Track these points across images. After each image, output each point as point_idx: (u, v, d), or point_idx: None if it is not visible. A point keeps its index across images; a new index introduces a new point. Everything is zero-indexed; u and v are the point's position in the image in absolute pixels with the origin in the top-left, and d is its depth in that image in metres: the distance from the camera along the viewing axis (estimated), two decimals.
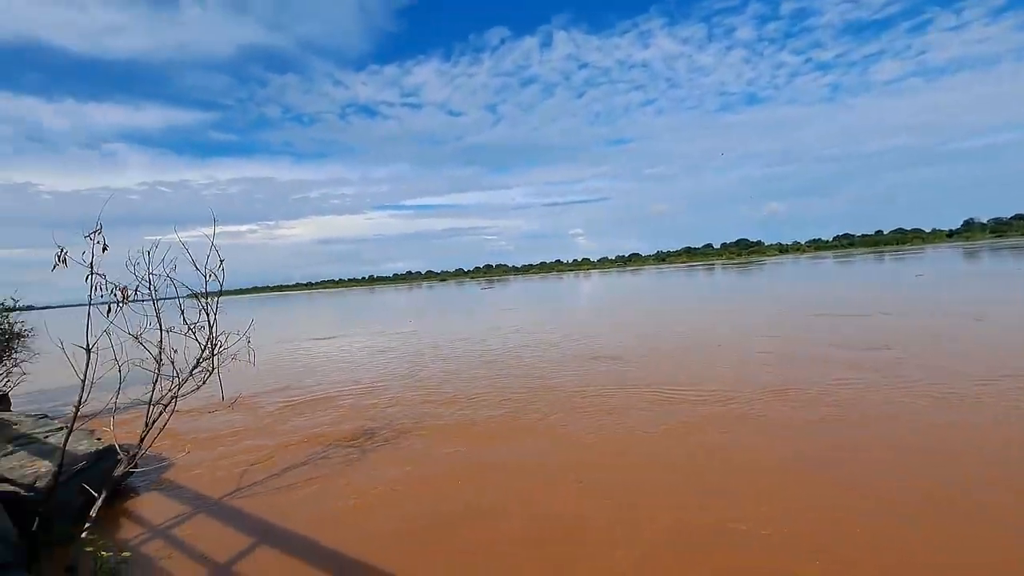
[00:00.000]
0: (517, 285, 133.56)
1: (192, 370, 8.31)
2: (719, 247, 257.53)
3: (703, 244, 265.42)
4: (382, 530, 7.85)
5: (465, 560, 6.88)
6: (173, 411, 8.41)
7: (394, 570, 6.70)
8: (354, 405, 15.83)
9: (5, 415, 13.87)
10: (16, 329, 17.13)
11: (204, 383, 8.44)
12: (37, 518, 7.93)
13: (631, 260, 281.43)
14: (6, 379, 17.24)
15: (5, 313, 17.09)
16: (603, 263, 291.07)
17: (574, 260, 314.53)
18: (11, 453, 9.62)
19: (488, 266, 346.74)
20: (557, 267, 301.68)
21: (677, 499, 8.07)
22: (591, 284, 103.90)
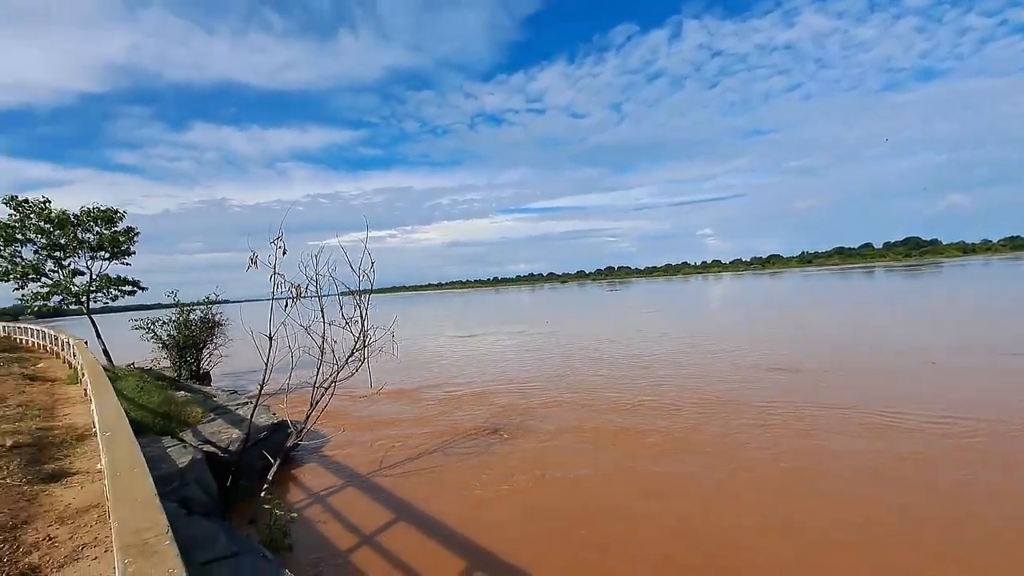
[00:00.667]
0: (642, 287, 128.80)
1: (347, 359, 9.45)
2: (881, 247, 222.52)
3: (860, 244, 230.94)
4: (519, 523, 8.13)
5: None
6: (332, 394, 9.64)
7: (523, 565, 6.92)
8: (509, 404, 15.81)
9: (207, 389, 17.04)
10: (216, 319, 20.89)
11: (357, 371, 9.54)
12: (230, 476, 9.62)
13: (769, 262, 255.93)
14: (208, 359, 21.09)
15: (209, 306, 20.93)
16: (736, 265, 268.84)
17: (703, 262, 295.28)
18: (212, 420, 11.77)
19: (610, 268, 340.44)
20: (684, 269, 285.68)
21: None
22: (727, 287, 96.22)
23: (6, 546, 4.21)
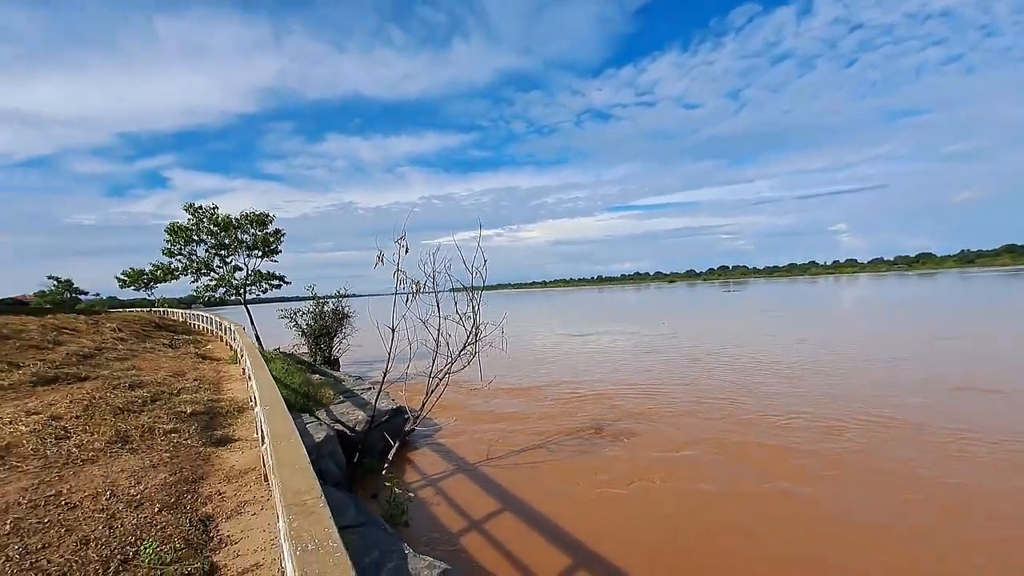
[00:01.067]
0: (763, 288, 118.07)
1: (460, 352, 9.95)
2: None
3: None
4: (628, 530, 7.97)
5: None
6: (446, 385, 10.22)
7: (625, 568, 6.78)
8: (632, 408, 15.10)
9: (336, 374, 18.91)
10: (345, 311, 23.11)
11: (468, 364, 10.00)
12: (357, 453, 10.60)
13: (918, 261, 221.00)
14: (338, 347, 23.40)
15: (340, 299, 23.24)
16: (876, 265, 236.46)
17: (835, 261, 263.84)
18: (342, 402, 13.03)
19: (723, 267, 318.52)
20: (811, 269, 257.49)
21: None
22: (867, 289, 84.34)
23: (189, 495, 5.04)
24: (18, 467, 5.39)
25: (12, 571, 3.34)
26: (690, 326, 39.07)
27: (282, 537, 2.37)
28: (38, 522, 4.10)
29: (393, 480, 9.12)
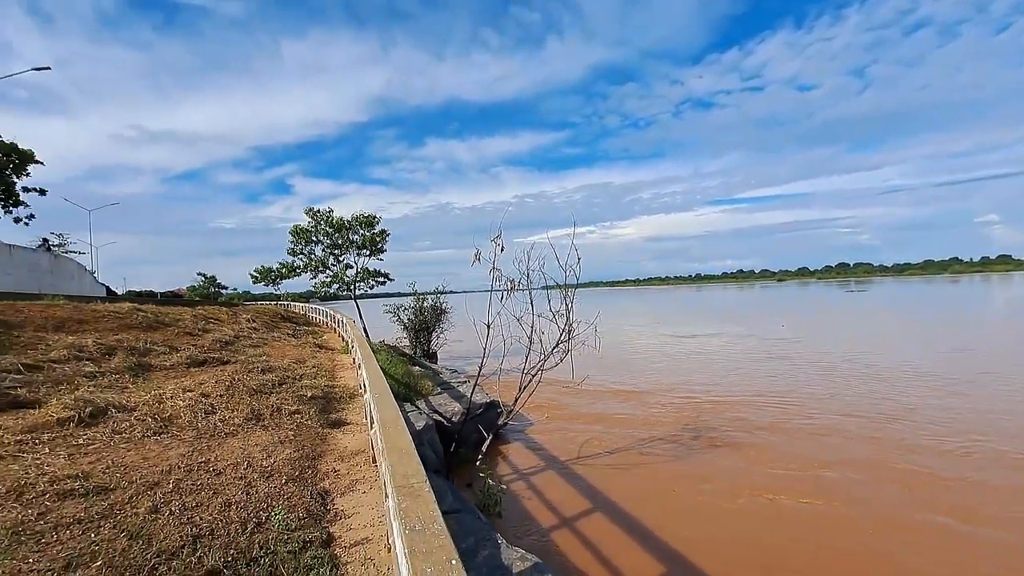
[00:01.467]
0: (894, 288, 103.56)
1: (553, 349, 10.02)
2: None
3: None
4: (735, 546, 7.58)
5: None
6: (539, 381, 10.34)
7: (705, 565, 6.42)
8: (751, 418, 13.44)
9: (434, 366, 19.90)
10: (443, 307, 24.24)
11: (561, 362, 10.04)
12: (453, 443, 11.09)
13: None
14: (436, 341, 24.59)
15: (438, 295, 24.42)
16: None
17: (983, 258, 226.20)
18: (439, 393, 13.69)
19: (842, 265, 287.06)
20: (952, 267, 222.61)
21: None
22: None
23: (309, 471, 5.59)
24: (178, 436, 6.33)
25: (174, 523, 3.94)
26: (815, 329, 34.76)
27: (391, 516, 2.56)
28: (192, 484, 4.79)
29: (487, 471, 9.41)
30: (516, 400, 10.42)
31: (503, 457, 11.68)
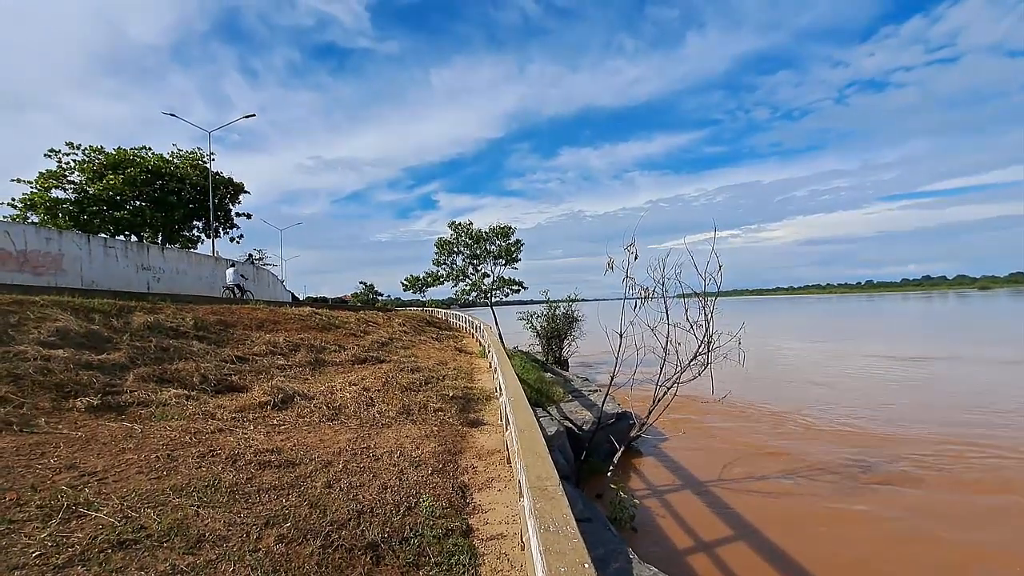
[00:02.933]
0: None
1: (690, 362, 9.49)
2: None
3: None
4: None
5: None
6: (675, 395, 9.87)
7: None
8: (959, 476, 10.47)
9: (566, 374, 20.07)
10: (575, 315, 24.36)
11: (699, 375, 9.47)
12: (584, 451, 11.08)
13: None
14: (567, 349, 24.77)
15: (570, 303, 24.62)
16: None
17: None
18: (570, 401, 13.78)
19: None
20: None
21: None
22: None
23: (451, 465, 6.06)
24: (345, 423, 7.31)
25: (342, 498, 4.58)
26: None
27: (526, 514, 2.70)
28: (357, 466, 5.50)
29: (619, 484, 9.23)
30: (649, 412, 10.06)
31: (635, 471, 11.34)
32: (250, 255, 36.11)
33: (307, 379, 10.12)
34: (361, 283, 62.84)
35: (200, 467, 5.05)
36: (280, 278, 39.94)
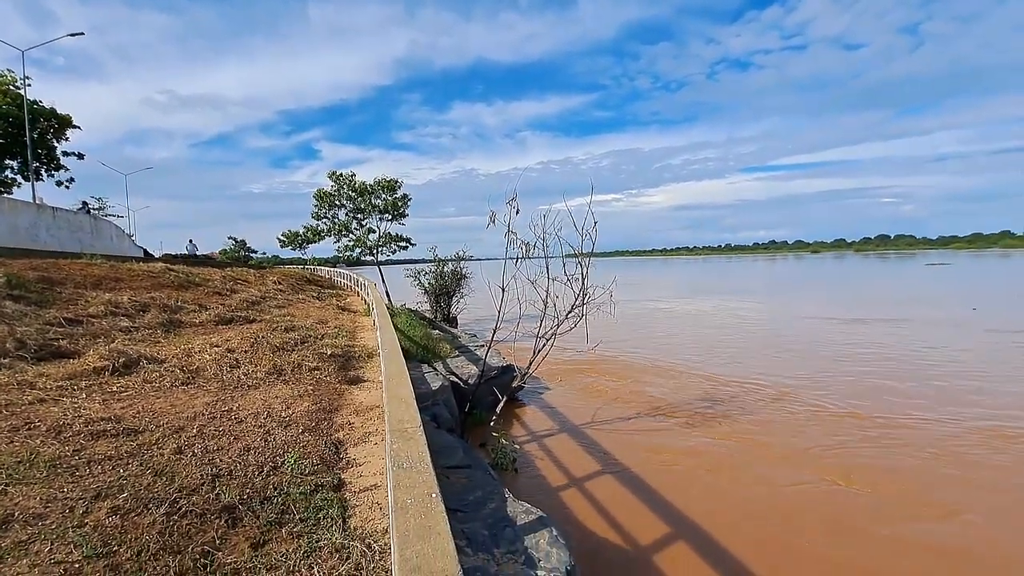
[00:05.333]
0: (975, 264, 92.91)
1: (567, 314, 10.05)
2: None
3: None
4: (731, 512, 7.74)
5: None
6: (552, 346, 10.43)
7: (713, 531, 6.56)
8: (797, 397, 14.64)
9: (454, 331, 20.22)
10: (463, 272, 24.40)
11: (575, 327, 10.08)
12: (468, 403, 11.36)
13: None
14: (456, 306, 24.87)
15: (458, 261, 24.55)
16: None
17: None
18: (457, 356, 13.93)
19: (882, 236, 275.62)
20: (1003, 241, 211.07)
21: None
22: None
23: (325, 423, 5.84)
24: (204, 387, 6.67)
25: (195, 463, 4.20)
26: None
27: (386, 458, 2.68)
28: (215, 430, 5.07)
29: (501, 432, 9.66)
30: (530, 364, 10.56)
31: (518, 420, 11.94)
32: (84, 203, 30.62)
33: (158, 342, 9.03)
34: (231, 239, 56.65)
35: (12, 442, 4.32)
36: (129, 232, 34.63)
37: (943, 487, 8.20)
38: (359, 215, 28.42)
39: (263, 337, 9.51)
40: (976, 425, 10.67)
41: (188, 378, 6.94)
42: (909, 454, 9.40)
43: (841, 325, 24.34)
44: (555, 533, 5.09)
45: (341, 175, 27.68)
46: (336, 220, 28.69)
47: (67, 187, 31.91)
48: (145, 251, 32.41)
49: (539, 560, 4.67)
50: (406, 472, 2.00)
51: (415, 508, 1.73)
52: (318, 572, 2.94)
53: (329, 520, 3.66)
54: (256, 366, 7.73)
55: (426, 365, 11.46)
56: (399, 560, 1.47)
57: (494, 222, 9.15)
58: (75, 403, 5.53)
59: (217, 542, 3.18)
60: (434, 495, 1.80)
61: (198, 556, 3.01)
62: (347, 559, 3.10)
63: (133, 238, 34.31)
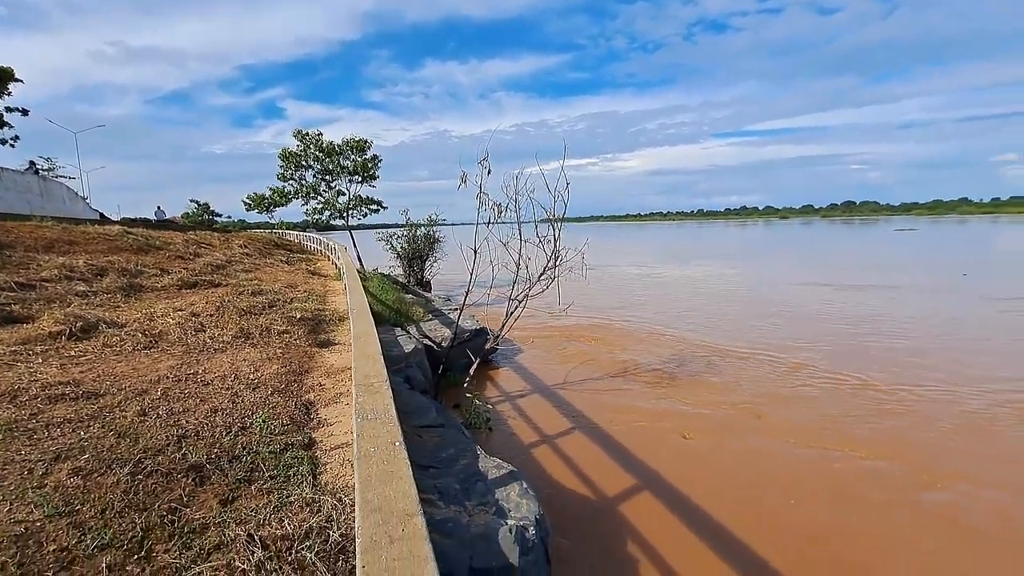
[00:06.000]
0: (925, 229, 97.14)
1: (540, 276, 10.11)
2: None
3: None
4: (699, 464, 8.11)
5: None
6: (524, 307, 10.53)
7: (679, 486, 6.92)
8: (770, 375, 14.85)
9: (427, 295, 20.12)
10: (436, 236, 24.13)
11: (547, 289, 10.17)
12: (441, 366, 11.45)
13: None
14: (429, 270, 24.70)
15: (431, 225, 24.23)
16: None
17: (993, 199, 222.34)
18: (430, 320, 13.94)
19: (848, 203, 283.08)
20: (960, 207, 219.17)
21: None
22: None
23: (295, 384, 5.81)
24: (167, 351, 6.51)
25: (160, 425, 4.15)
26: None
27: (352, 410, 2.70)
28: (180, 392, 5.00)
29: (474, 393, 9.80)
30: (503, 326, 10.65)
31: (491, 381, 12.11)
32: (32, 163, 28.79)
33: (118, 307, 8.73)
34: (193, 202, 54.35)
35: None
36: (82, 194, 32.85)
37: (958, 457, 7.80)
38: (327, 176, 27.49)
39: (229, 301, 9.30)
40: (1003, 398, 10.06)
41: (151, 342, 6.76)
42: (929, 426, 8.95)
43: (838, 292, 23.68)
44: (525, 486, 5.26)
45: (307, 134, 26.60)
46: (304, 182, 27.73)
47: (12, 145, 29.86)
48: (101, 214, 30.91)
49: (509, 511, 4.84)
50: (370, 423, 2.01)
51: (378, 456, 1.75)
52: (289, 525, 2.98)
53: (300, 477, 3.68)
54: (222, 330, 7.57)
55: (399, 329, 11.44)
56: (361, 502, 1.50)
57: (465, 183, 9.01)
58: (30, 368, 5.35)
59: (184, 499, 3.18)
60: (397, 443, 1.83)
61: (165, 512, 3.00)
62: (318, 512, 3.14)
63: (87, 201, 32.59)
